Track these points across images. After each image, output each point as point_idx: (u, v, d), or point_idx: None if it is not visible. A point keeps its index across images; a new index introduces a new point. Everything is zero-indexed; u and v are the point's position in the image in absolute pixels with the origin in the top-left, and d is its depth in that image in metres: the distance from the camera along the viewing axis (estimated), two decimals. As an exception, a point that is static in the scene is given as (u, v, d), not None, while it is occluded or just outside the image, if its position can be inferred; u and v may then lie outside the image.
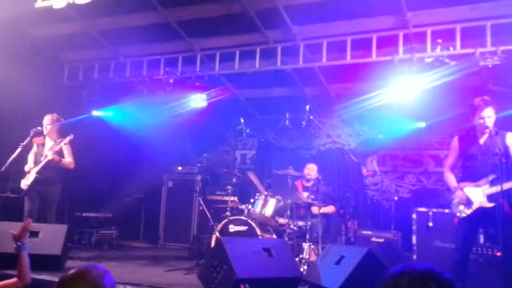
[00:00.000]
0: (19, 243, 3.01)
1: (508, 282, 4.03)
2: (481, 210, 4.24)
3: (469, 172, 4.42)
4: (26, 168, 5.99)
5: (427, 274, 1.29)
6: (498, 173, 4.09)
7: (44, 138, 6.12)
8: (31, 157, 6.07)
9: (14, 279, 2.89)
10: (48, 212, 5.97)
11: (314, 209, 6.07)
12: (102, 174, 8.89)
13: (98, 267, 1.76)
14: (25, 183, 5.93)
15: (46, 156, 5.91)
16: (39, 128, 6.05)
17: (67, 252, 5.52)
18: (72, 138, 6.02)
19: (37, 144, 6.10)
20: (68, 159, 6.07)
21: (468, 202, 4.31)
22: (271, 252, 4.47)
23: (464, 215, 4.31)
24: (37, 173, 5.88)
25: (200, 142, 9.56)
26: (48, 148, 6.03)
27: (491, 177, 4.18)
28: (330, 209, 6.44)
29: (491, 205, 4.16)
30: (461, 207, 4.34)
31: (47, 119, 6.11)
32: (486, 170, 4.26)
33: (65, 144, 5.98)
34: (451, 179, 4.56)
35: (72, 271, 1.72)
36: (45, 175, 5.91)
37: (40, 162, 5.94)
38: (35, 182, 5.87)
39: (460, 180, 4.49)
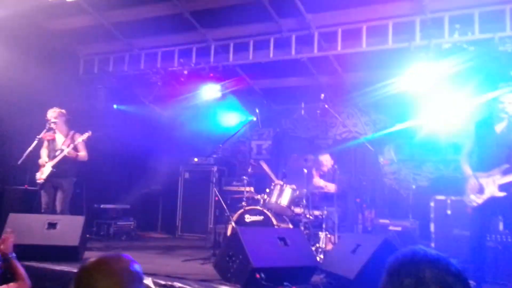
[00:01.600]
0: (6, 256, 3.04)
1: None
2: (492, 200, 4.17)
3: (483, 161, 4.34)
4: (41, 162, 6.09)
5: (438, 260, 1.26)
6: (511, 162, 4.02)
7: (54, 132, 6.20)
8: (44, 152, 6.16)
9: (15, 284, 2.92)
10: (63, 204, 6.06)
11: (317, 181, 6.09)
12: (120, 166, 9.00)
13: (123, 256, 1.67)
14: (39, 176, 6.03)
15: (61, 150, 6.02)
16: (50, 122, 6.11)
17: (85, 243, 5.60)
18: (90, 135, 6.11)
19: (48, 140, 6.19)
20: (82, 153, 6.18)
21: (480, 190, 4.24)
22: (286, 241, 4.45)
23: (475, 204, 4.25)
24: (53, 167, 5.99)
25: (215, 133, 9.57)
26: (60, 141, 6.14)
27: (504, 167, 4.10)
28: (331, 186, 6.36)
29: (502, 194, 4.11)
30: (472, 196, 4.28)
31: (52, 114, 6.17)
32: (500, 160, 4.18)
33: (83, 140, 6.08)
34: (466, 166, 4.49)
35: (92, 260, 1.62)
36: (60, 168, 6.02)
37: (54, 156, 6.04)
38: (50, 175, 5.98)
39: (474, 169, 4.41)
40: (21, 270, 3.00)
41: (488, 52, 5.70)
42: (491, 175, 4.19)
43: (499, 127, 4.28)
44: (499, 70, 5.76)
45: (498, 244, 5.00)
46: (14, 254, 3.08)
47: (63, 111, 6.29)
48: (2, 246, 3.09)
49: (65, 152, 5.97)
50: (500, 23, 5.69)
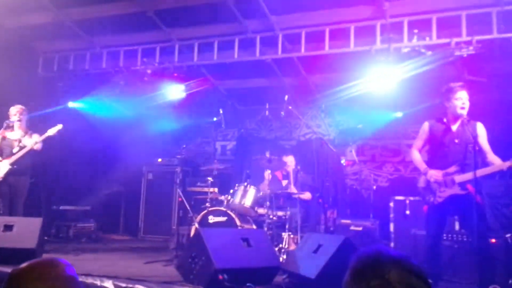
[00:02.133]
0: None
1: (483, 268, 4.10)
2: (453, 198, 4.23)
3: (439, 159, 4.32)
4: None
5: (398, 258, 1.28)
6: (470, 160, 4.09)
7: (11, 130, 6.02)
8: None
9: None
10: (17, 204, 5.88)
11: (292, 188, 6.13)
12: (80, 167, 8.78)
13: (57, 259, 1.59)
14: None
15: (21, 147, 5.84)
16: (12, 120, 5.95)
17: (43, 245, 5.45)
18: (61, 129, 5.98)
19: (3, 137, 5.99)
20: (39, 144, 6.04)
21: (442, 184, 4.22)
22: (249, 242, 4.47)
23: (436, 202, 4.28)
24: (12, 164, 5.80)
25: (179, 133, 9.50)
26: (17, 137, 5.96)
27: (461, 164, 4.17)
28: (306, 195, 6.44)
29: (463, 192, 4.14)
30: (431, 196, 4.29)
31: (17, 110, 6.01)
32: (457, 158, 4.21)
33: (52, 134, 5.92)
34: (419, 160, 4.43)
35: (24, 265, 1.53)
36: (18, 166, 5.84)
37: (11, 153, 5.85)
38: (8, 173, 5.79)
39: (428, 165, 4.37)
40: None
41: (445, 57, 5.89)
42: (449, 173, 4.20)
43: (455, 126, 4.35)
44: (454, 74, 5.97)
45: (454, 243, 5.18)
46: None
47: (24, 108, 6.12)
48: None
49: (27, 149, 5.82)
50: (456, 28, 5.90)
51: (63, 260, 1.60)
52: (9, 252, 4.69)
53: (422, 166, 4.40)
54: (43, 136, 5.95)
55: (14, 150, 5.88)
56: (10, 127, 5.99)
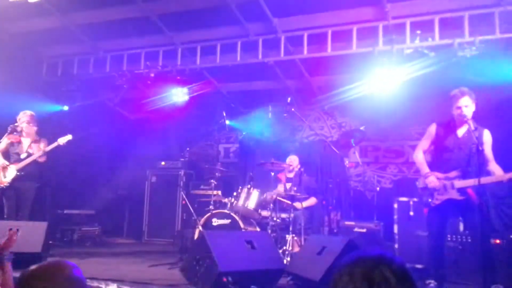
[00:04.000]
0: (4, 254, 2.93)
1: (486, 270, 4.09)
2: (450, 202, 4.24)
3: (442, 163, 4.36)
4: (1, 165, 5.92)
5: (380, 260, 1.30)
6: (472, 167, 4.11)
7: (20, 135, 6.05)
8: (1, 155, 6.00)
9: None
10: (24, 209, 5.91)
11: (297, 205, 6.08)
12: (85, 171, 8.81)
13: (65, 262, 1.65)
14: (2, 180, 5.85)
15: (29, 154, 5.91)
16: (16, 124, 5.99)
17: (48, 249, 5.47)
18: (70, 139, 6.04)
19: (12, 142, 6.02)
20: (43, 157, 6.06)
21: (441, 190, 4.26)
22: (253, 244, 4.47)
23: (433, 205, 4.30)
24: (19, 170, 5.83)
25: (183, 136, 9.52)
26: (26, 145, 5.99)
27: (463, 170, 4.18)
28: (312, 201, 6.45)
29: (461, 198, 4.16)
30: (429, 198, 4.30)
31: (27, 117, 6.03)
32: (459, 163, 4.23)
33: (61, 144, 5.96)
34: (423, 162, 4.46)
35: (34, 266, 1.61)
36: (25, 172, 5.86)
37: (19, 159, 5.88)
38: (14, 179, 5.82)
39: (432, 169, 4.42)
40: (9, 277, 2.89)
41: (448, 58, 5.89)
42: (449, 178, 4.23)
43: (461, 131, 4.37)
44: (458, 75, 5.95)
45: (458, 244, 5.16)
46: (11, 257, 2.97)
47: (34, 114, 6.14)
48: (5, 243, 2.99)
49: (35, 157, 5.84)
50: (459, 29, 5.90)
51: (70, 262, 1.64)
52: (15, 256, 4.69)
53: (424, 169, 4.43)
54: (52, 146, 5.99)
55: (22, 156, 5.92)
56: (19, 132, 6.02)
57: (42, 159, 6.02)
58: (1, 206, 5.94)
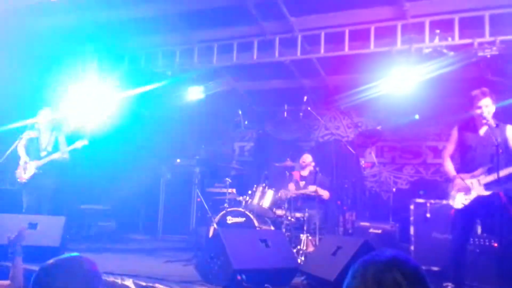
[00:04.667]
0: (14, 249, 2.99)
1: (504, 272, 4.04)
2: (478, 200, 4.22)
3: (467, 163, 4.38)
4: (22, 162, 6.01)
5: (392, 262, 1.28)
6: (496, 163, 4.08)
7: (38, 131, 6.14)
8: (21, 150, 6.09)
9: (7, 282, 2.88)
10: (44, 204, 5.99)
11: (311, 187, 6.06)
12: (101, 167, 8.89)
13: (81, 257, 1.70)
14: (21, 176, 5.95)
15: (49, 152, 5.99)
16: (35, 121, 6.08)
17: (66, 244, 5.55)
18: (86, 144, 6.12)
19: (31, 138, 6.12)
20: (66, 155, 6.13)
21: (467, 191, 4.27)
22: (268, 243, 4.48)
23: (461, 206, 4.28)
24: (38, 168, 5.92)
25: (198, 134, 9.56)
26: (45, 141, 6.08)
27: (487, 166, 4.17)
28: (325, 192, 6.37)
29: (488, 193, 4.15)
30: (459, 198, 4.31)
31: (46, 114, 6.13)
32: (483, 161, 4.23)
33: (78, 147, 6.05)
34: (450, 167, 4.51)
35: (51, 261, 1.65)
36: (44, 169, 5.95)
37: (39, 156, 5.97)
38: (33, 176, 5.91)
39: (457, 170, 4.45)
40: (19, 271, 2.95)
41: (468, 57, 5.81)
42: (475, 176, 4.24)
43: (483, 129, 4.37)
44: (476, 75, 5.88)
45: (476, 247, 5.09)
46: (21, 251, 3.03)
47: (54, 110, 6.25)
48: (15, 237, 3.05)
49: (54, 157, 5.92)
50: (480, 29, 5.81)
51: (86, 257, 1.68)
52: (33, 250, 4.78)
53: (451, 173, 4.48)
54: (69, 148, 6.06)
55: (42, 154, 6.00)
56: (37, 129, 6.12)
57: (64, 156, 6.08)
58: (21, 201, 6.03)
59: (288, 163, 6.26)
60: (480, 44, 5.73)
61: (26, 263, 4.26)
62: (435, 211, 5.75)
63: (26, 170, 5.97)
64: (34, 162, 5.97)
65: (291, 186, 6.43)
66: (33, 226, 5.10)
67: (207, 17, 6.78)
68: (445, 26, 5.93)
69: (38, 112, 6.18)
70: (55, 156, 5.97)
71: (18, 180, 5.99)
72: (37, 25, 7.18)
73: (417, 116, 7.06)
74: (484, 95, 4.27)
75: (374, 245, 4.34)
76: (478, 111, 4.27)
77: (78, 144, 6.09)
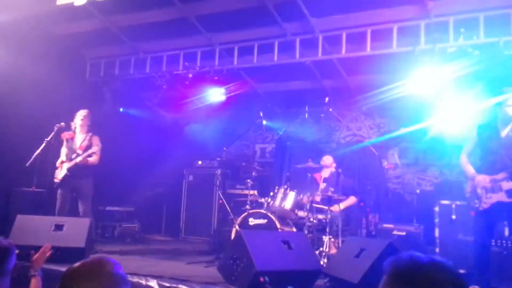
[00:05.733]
0: (36, 269, 3.00)
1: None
2: (499, 205, 4.13)
3: (488, 166, 4.28)
4: (58, 162, 6.17)
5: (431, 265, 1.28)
6: None
7: (74, 132, 6.28)
8: (63, 151, 6.25)
9: None
10: (84, 205, 6.08)
11: (335, 208, 5.94)
12: (124, 169, 9.02)
13: (106, 259, 1.72)
14: (57, 175, 6.11)
15: (77, 154, 6.09)
16: (62, 123, 6.21)
17: (92, 245, 5.65)
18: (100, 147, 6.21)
19: (67, 139, 6.25)
20: (93, 157, 6.18)
21: (488, 191, 4.18)
22: (290, 245, 4.46)
23: (481, 208, 4.19)
24: (68, 170, 6.04)
25: (219, 136, 9.60)
26: (79, 142, 6.21)
27: (510, 171, 4.06)
28: (351, 200, 6.33)
29: (509, 200, 4.05)
30: (477, 201, 4.21)
31: (81, 115, 6.27)
32: (505, 164, 4.13)
33: (97, 150, 6.14)
34: (468, 165, 4.42)
35: (77, 264, 1.68)
36: (76, 170, 6.07)
37: (71, 158, 6.10)
38: (65, 178, 6.04)
39: (477, 170, 4.35)
40: None
41: (493, 56, 5.70)
42: (497, 180, 4.14)
43: (505, 131, 4.25)
44: (504, 74, 5.75)
45: (503, 249, 4.99)
46: (41, 274, 3.03)
47: (88, 112, 6.37)
48: (36, 256, 3.08)
49: (78, 160, 6.03)
50: (505, 27, 5.69)
51: (111, 259, 1.71)
52: (59, 251, 4.87)
53: (470, 171, 4.34)
54: (96, 149, 6.15)
55: (73, 156, 6.12)
56: (66, 129, 6.25)
57: (92, 160, 6.15)
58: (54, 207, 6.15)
59: (310, 164, 6.22)
60: (506, 42, 5.61)
61: (52, 264, 4.36)
62: (461, 212, 5.66)
63: (61, 171, 6.12)
64: (66, 163, 6.10)
65: (318, 196, 6.35)
66: (59, 227, 5.20)
67: (227, 19, 6.81)
68: (469, 25, 5.83)
69: (78, 113, 6.30)
70: (83, 156, 6.05)
71: (55, 180, 6.13)
72: (60, 29, 7.34)
73: (402, 129, 6.97)
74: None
75: (399, 247, 4.28)
76: (506, 108, 4.17)
77: (95, 150, 6.15)
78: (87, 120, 6.30)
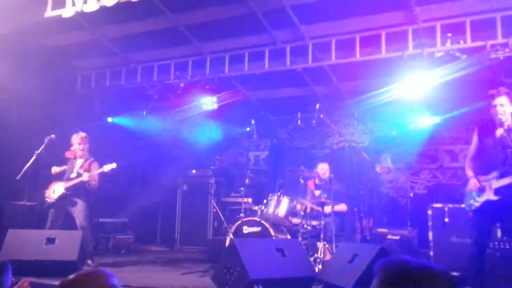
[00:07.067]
0: None
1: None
2: (488, 204, 4.18)
3: (483, 165, 4.34)
4: (53, 170, 6.18)
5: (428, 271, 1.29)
6: (507, 166, 4.03)
7: (75, 153, 6.25)
8: (54, 170, 6.24)
9: None
10: (82, 220, 5.98)
11: (327, 209, 6.03)
12: (118, 180, 9.00)
13: (102, 271, 1.70)
14: (50, 195, 6.04)
15: (78, 174, 6.06)
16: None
17: (84, 258, 5.61)
18: (115, 168, 6.14)
19: (69, 159, 6.24)
20: (94, 182, 6.16)
21: (480, 191, 4.24)
22: (284, 252, 4.46)
23: (473, 207, 4.27)
24: (66, 189, 6.00)
25: (213, 144, 9.61)
26: (78, 165, 6.18)
27: (500, 170, 4.12)
28: (342, 207, 6.39)
29: (495, 198, 4.11)
30: (471, 201, 4.28)
31: (78, 139, 6.24)
32: (497, 164, 4.19)
33: (106, 171, 6.09)
34: (468, 168, 4.49)
35: (72, 276, 1.65)
36: (73, 189, 6.04)
37: (69, 178, 6.07)
38: (61, 196, 6.00)
39: (476, 172, 4.41)
40: None
41: (480, 60, 5.76)
42: (489, 179, 4.21)
43: (499, 132, 4.31)
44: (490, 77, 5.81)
45: (496, 251, 5.01)
46: None
47: (85, 135, 6.33)
48: None
49: (83, 178, 6.00)
50: (491, 31, 5.76)
51: (106, 271, 1.70)
52: (51, 265, 4.85)
53: (469, 173, 4.46)
54: (98, 171, 6.10)
55: (72, 176, 6.09)
56: (73, 152, 6.23)
57: (92, 183, 6.11)
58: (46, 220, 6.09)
59: (306, 172, 6.26)
60: (493, 46, 5.68)
61: (44, 278, 4.34)
62: (454, 215, 5.69)
63: (55, 190, 6.06)
64: (64, 183, 6.06)
65: (308, 199, 6.38)
66: (51, 241, 5.17)
67: (217, 28, 6.84)
68: (456, 30, 5.89)
69: (75, 136, 6.27)
70: (82, 178, 6.02)
71: (47, 199, 6.07)
72: (50, 41, 7.34)
73: (394, 133, 7.02)
74: (499, 93, 4.24)
75: (393, 251, 4.30)
76: (493, 110, 4.23)
77: (106, 168, 6.11)
78: (84, 144, 6.27)
